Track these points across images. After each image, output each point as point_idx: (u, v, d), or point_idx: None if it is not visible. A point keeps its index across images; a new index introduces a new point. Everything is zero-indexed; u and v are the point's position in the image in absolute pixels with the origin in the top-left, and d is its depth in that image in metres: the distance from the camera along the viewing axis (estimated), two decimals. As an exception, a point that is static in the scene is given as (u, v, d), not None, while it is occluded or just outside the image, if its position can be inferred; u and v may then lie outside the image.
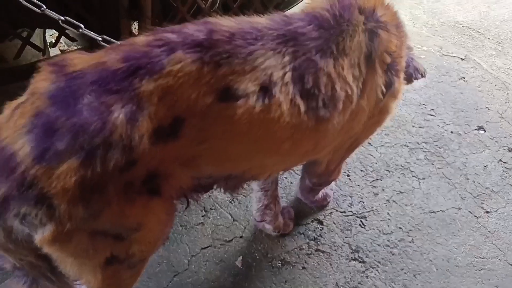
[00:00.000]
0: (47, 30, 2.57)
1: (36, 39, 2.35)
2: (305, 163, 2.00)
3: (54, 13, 1.66)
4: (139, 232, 1.31)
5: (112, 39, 1.64)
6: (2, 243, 1.21)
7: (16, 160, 1.10)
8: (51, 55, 2.53)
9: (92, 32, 1.67)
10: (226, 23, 1.32)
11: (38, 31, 2.35)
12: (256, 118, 1.29)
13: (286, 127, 1.35)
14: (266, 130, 1.34)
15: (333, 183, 2.44)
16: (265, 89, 1.29)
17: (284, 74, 1.32)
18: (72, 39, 2.38)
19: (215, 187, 1.59)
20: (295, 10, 1.52)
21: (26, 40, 2.22)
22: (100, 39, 1.67)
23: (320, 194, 2.33)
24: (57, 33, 2.40)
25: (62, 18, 1.68)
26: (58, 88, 1.15)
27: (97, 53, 1.24)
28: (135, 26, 2.70)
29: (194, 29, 1.27)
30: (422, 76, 1.85)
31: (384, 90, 1.55)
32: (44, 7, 1.65)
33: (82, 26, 1.69)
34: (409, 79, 1.80)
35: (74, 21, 1.69)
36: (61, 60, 1.21)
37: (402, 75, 1.65)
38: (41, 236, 1.16)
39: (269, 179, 2.08)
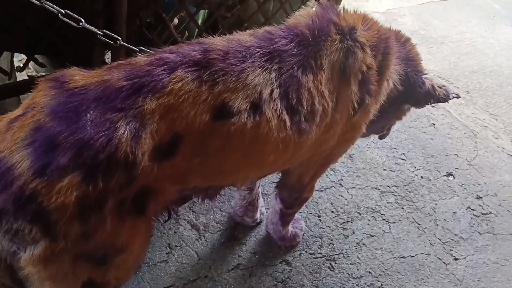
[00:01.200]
0: (15, 54, 2.51)
1: (3, 62, 2.27)
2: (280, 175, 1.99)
3: (92, 27, 1.69)
4: (123, 254, 1.30)
5: (115, 35, 1.71)
6: None
7: (14, 173, 1.08)
8: (17, 80, 2.45)
9: (93, 28, 1.69)
10: (218, 42, 1.37)
11: (6, 54, 2.28)
12: (247, 134, 1.33)
13: (273, 141, 1.39)
14: (256, 145, 1.38)
15: (303, 223, 2.40)
16: (256, 106, 1.34)
17: (272, 91, 1.37)
18: (41, 65, 2.31)
19: (193, 197, 1.61)
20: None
21: (-9, 63, 2.14)
22: (101, 33, 1.69)
23: (289, 232, 2.27)
24: (25, 58, 2.34)
25: (100, 32, 1.71)
26: (60, 103, 1.15)
27: (98, 71, 1.25)
28: (108, 56, 2.66)
29: (190, 49, 1.32)
30: (446, 94, 1.88)
31: (357, 106, 1.57)
32: (83, 21, 1.65)
33: (118, 40, 1.74)
34: (428, 97, 1.86)
35: (111, 33, 1.72)
36: (61, 76, 1.22)
37: (378, 96, 1.68)
38: (29, 254, 1.12)
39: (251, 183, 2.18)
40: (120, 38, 1.77)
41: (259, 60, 1.38)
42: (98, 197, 1.13)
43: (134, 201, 1.23)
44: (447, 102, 1.96)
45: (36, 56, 2.26)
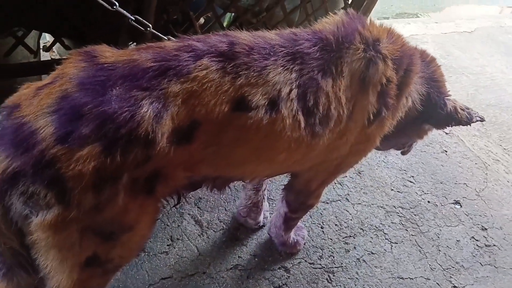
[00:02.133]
0: (43, 35, 2.57)
1: (30, 41, 2.32)
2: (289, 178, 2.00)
3: (125, 12, 1.72)
4: (130, 232, 1.32)
5: (146, 21, 1.76)
6: None
7: (36, 138, 1.10)
8: (41, 59, 2.51)
9: (126, 12, 1.72)
10: (244, 36, 1.40)
11: (33, 33, 2.33)
12: (262, 129, 1.35)
13: (286, 140, 1.41)
14: (269, 141, 1.41)
15: (305, 232, 2.40)
16: (273, 103, 1.36)
17: (291, 90, 1.39)
18: (67, 47, 2.36)
19: (203, 185, 1.61)
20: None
21: (20, 39, 2.19)
22: (133, 18, 1.73)
23: (291, 239, 2.27)
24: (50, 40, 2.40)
25: (132, 17, 1.74)
26: (88, 75, 1.18)
27: (128, 50, 1.29)
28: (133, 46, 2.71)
29: (217, 40, 1.35)
30: (469, 117, 1.88)
31: (372, 117, 1.59)
32: (117, 5, 1.69)
33: (148, 27, 1.78)
34: (449, 119, 1.86)
35: (143, 20, 1.76)
36: (92, 51, 1.26)
37: (395, 111, 1.69)
38: (41, 219, 1.14)
39: (260, 181, 2.19)
40: (150, 25, 1.80)
41: (281, 59, 1.40)
42: (115, 171, 1.15)
43: (146, 181, 1.25)
44: (470, 125, 1.95)
45: (62, 39, 2.31)
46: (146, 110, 1.16)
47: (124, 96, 1.16)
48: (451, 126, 1.96)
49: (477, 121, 1.93)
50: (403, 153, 2.31)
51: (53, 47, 2.58)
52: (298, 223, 2.32)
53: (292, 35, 1.49)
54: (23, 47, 2.23)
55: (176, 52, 1.27)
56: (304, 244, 2.39)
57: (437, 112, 1.85)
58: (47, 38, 3.06)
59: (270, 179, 2.47)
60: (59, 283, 1.32)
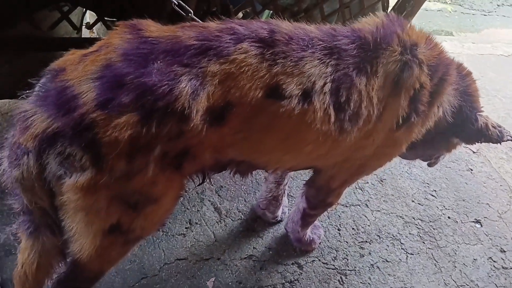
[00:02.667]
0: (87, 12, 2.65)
1: (74, 17, 2.40)
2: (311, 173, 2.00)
3: None
4: (155, 205, 1.35)
5: (188, 8, 1.81)
6: (29, 180, 1.22)
7: (78, 101, 1.15)
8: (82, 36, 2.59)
9: None
10: (285, 26, 1.43)
11: (78, 10, 2.41)
12: (293, 118, 1.37)
13: (314, 132, 1.43)
14: (298, 131, 1.43)
15: (322, 231, 2.41)
16: (307, 95, 1.38)
17: (325, 84, 1.40)
18: (108, 27, 2.43)
19: (227, 168, 1.63)
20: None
21: (65, 14, 2.27)
22: (176, 2, 1.80)
23: (307, 237, 2.28)
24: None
25: (175, 1, 1.81)
26: (132, 47, 1.23)
27: (172, 27, 1.33)
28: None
29: (258, 26, 1.38)
30: (500, 135, 1.86)
31: (401, 121, 1.59)
32: None
33: (190, 13, 1.83)
34: (479, 135, 1.85)
35: (185, 5, 1.82)
36: (138, 24, 1.31)
37: (425, 119, 1.68)
38: (74, 180, 1.18)
39: (283, 174, 2.22)
40: (191, 12, 1.85)
41: (319, 52, 1.42)
42: (149, 142, 1.19)
43: (175, 157, 1.29)
44: (500, 143, 1.92)
45: (105, 18, 2.38)
46: (184, 85, 1.20)
47: (165, 70, 1.20)
48: (481, 142, 1.93)
49: (508, 140, 1.90)
50: (429, 165, 2.29)
51: (94, 27, 2.66)
52: (316, 222, 2.34)
53: (332, 31, 1.51)
54: (67, 22, 2.31)
55: (218, 33, 1.31)
56: (320, 243, 2.40)
57: (467, 126, 1.84)
58: (89, 19, 3.16)
59: (292, 175, 2.49)
60: (81, 247, 1.36)
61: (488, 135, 1.86)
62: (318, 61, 1.41)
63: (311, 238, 2.32)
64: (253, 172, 1.75)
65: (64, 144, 1.15)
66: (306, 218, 2.17)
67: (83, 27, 2.66)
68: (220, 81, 1.26)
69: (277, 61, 1.34)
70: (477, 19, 6.59)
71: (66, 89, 1.17)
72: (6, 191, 1.37)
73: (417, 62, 1.55)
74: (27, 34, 2.23)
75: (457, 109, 1.81)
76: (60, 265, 1.50)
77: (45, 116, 1.16)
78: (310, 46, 1.42)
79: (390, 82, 1.53)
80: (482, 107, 1.91)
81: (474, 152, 3.46)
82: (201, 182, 1.58)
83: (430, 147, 1.98)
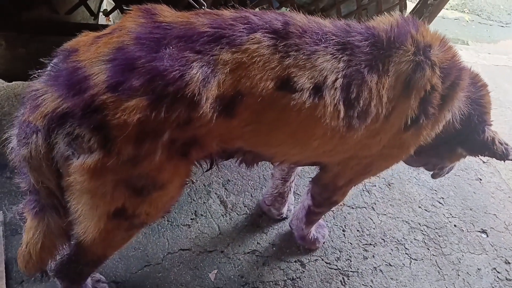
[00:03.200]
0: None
1: (91, 4, 2.41)
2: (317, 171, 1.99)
3: None
4: (160, 191, 1.35)
5: (202, 1, 1.83)
6: (37, 159, 1.22)
7: (89, 83, 1.15)
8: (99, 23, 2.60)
9: None
10: (299, 18, 1.41)
11: (97, -5, 2.43)
12: (303, 112, 1.36)
13: (323, 127, 1.42)
14: (307, 125, 1.42)
15: (326, 231, 2.40)
16: (318, 89, 1.37)
17: (336, 79, 1.39)
18: (126, 15, 2.45)
19: (234, 156, 1.63)
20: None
21: (83, 0, 2.28)
22: None
23: (311, 235, 2.28)
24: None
25: None
26: (146, 31, 1.22)
27: (186, 13, 1.32)
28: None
29: (273, 17, 1.36)
30: (505, 153, 1.83)
31: (410, 123, 1.57)
32: None
33: (203, 6, 1.85)
34: (483, 148, 1.83)
35: None
36: (152, 9, 1.30)
37: (435, 122, 1.66)
38: (81, 161, 1.19)
39: (289, 170, 2.23)
40: (205, 5, 1.86)
41: (332, 47, 1.41)
42: (157, 127, 1.19)
43: (183, 145, 1.29)
44: (504, 161, 1.90)
45: (123, 6, 2.39)
46: (195, 72, 1.19)
47: (177, 56, 1.20)
48: (484, 156, 1.90)
49: None
50: (433, 176, 2.26)
51: (111, 15, 2.67)
52: (321, 221, 2.33)
53: (346, 26, 1.50)
54: (85, 8, 2.32)
55: (232, 22, 1.30)
56: (324, 243, 2.39)
57: (473, 136, 1.82)
58: (105, 5, 3.18)
59: (298, 173, 2.48)
60: (86, 229, 1.37)
61: (493, 149, 1.83)
62: (330, 56, 1.40)
63: (315, 237, 2.31)
64: (259, 163, 1.74)
65: (73, 124, 1.15)
66: (311, 216, 2.16)
67: (101, 13, 2.67)
68: (231, 70, 1.25)
69: (290, 53, 1.33)
70: (494, 30, 6.55)
71: (78, 70, 1.17)
72: (16, 170, 1.38)
73: (430, 64, 1.53)
74: (43, 18, 2.24)
75: (466, 116, 1.78)
76: (64, 246, 1.51)
77: (55, 95, 1.16)
78: (323, 40, 1.40)
79: (401, 81, 1.51)
80: (492, 120, 1.88)
81: (484, 162, 3.43)
82: (208, 168, 1.57)
83: (435, 155, 1.95)
